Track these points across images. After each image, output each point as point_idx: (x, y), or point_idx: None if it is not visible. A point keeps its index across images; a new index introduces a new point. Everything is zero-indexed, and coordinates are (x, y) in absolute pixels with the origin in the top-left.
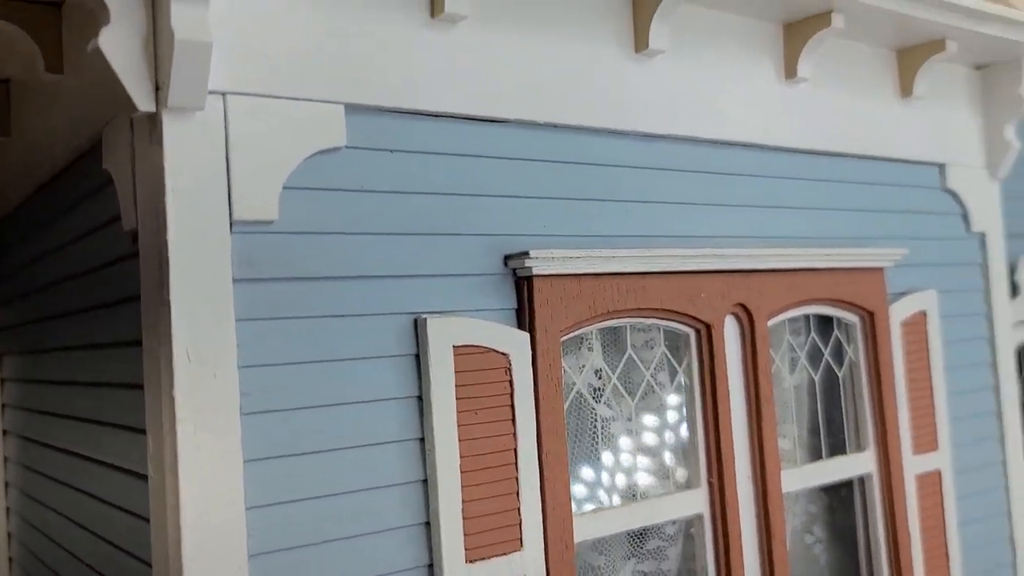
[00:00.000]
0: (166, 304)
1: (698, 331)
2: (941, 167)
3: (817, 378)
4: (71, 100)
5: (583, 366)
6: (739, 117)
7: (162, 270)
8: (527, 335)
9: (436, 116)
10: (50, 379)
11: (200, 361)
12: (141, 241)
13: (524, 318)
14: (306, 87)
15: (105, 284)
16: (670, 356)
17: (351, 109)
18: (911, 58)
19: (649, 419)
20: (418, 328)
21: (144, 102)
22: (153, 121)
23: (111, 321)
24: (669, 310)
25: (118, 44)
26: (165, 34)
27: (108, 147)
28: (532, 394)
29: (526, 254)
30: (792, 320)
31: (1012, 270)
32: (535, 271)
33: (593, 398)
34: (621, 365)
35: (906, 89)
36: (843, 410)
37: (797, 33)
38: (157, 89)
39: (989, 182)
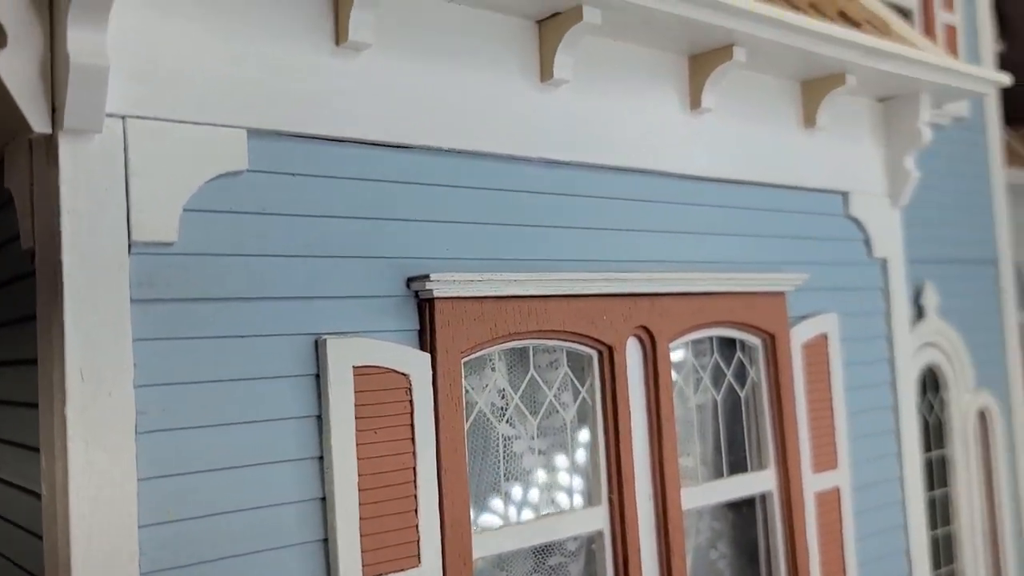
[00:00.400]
0: (60, 324)
1: (600, 352)
2: (844, 195)
3: (720, 398)
4: None
5: (486, 386)
6: (644, 145)
7: (57, 290)
8: (428, 356)
9: (340, 141)
10: None
11: (94, 380)
12: (38, 261)
13: (426, 339)
14: (208, 111)
15: (4, 303)
16: (573, 376)
17: (254, 133)
18: (814, 90)
19: (551, 438)
20: (319, 348)
21: (40, 124)
22: (50, 142)
23: (10, 339)
24: (571, 332)
25: (15, 67)
26: (62, 57)
27: (9, 166)
28: (432, 413)
29: (427, 277)
30: (696, 342)
31: (917, 294)
32: (436, 293)
33: (496, 417)
34: (524, 385)
35: (809, 120)
36: (745, 429)
37: (701, 65)
38: (54, 111)
39: (890, 209)
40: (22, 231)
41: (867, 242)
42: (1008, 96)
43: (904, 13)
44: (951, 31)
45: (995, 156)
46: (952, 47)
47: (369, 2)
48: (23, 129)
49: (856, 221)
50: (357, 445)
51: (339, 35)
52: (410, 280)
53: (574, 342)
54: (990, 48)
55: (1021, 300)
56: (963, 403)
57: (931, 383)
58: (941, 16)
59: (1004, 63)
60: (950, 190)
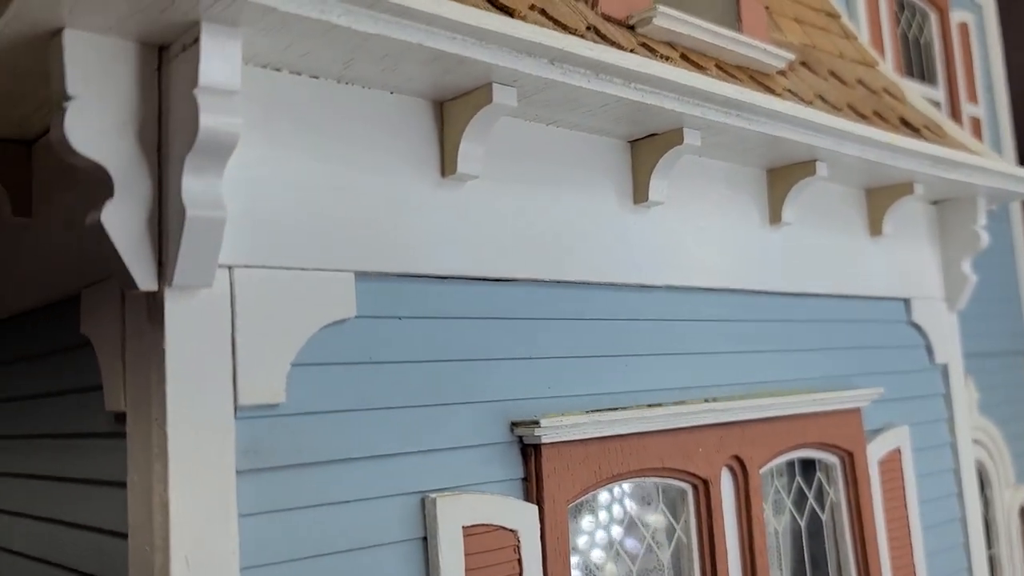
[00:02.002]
0: (163, 502)
1: (695, 487)
2: (907, 301)
3: (803, 522)
4: (41, 248)
5: (581, 531)
6: (727, 262)
7: (162, 462)
8: (535, 508)
9: (444, 279)
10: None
11: (199, 567)
12: (131, 427)
13: (531, 488)
14: (315, 256)
15: (81, 459)
16: (668, 513)
17: (361, 276)
18: (880, 198)
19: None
20: (426, 508)
21: (146, 282)
22: (153, 299)
23: (90, 504)
24: (669, 468)
25: (121, 218)
26: (174, 209)
27: (88, 311)
28: (541, 569)
29: (536, 422)
30: (777, 464)
31: None
32: (544, 439)
33: (597, 561)
34: (622, 525)
35: (875, 228)
36: (826, 552)
37: (781, 179)
38: (160, 264)
39: (948, 314)
40: (108, 390)
41: (928, 348)
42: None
43: (933, 106)
44: (976, 123)
45: (1020, 244)
46: (978, 137)
47: (480, 134)
48: (122, 283)
49: (918, 327)
50: None
51: (445, 167)
52: (514, 424)
53: (672, 477)
54: (1010, 137)
55: None
56: (1006, 500)
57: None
58: (967, 108)
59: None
60: (980, 282)
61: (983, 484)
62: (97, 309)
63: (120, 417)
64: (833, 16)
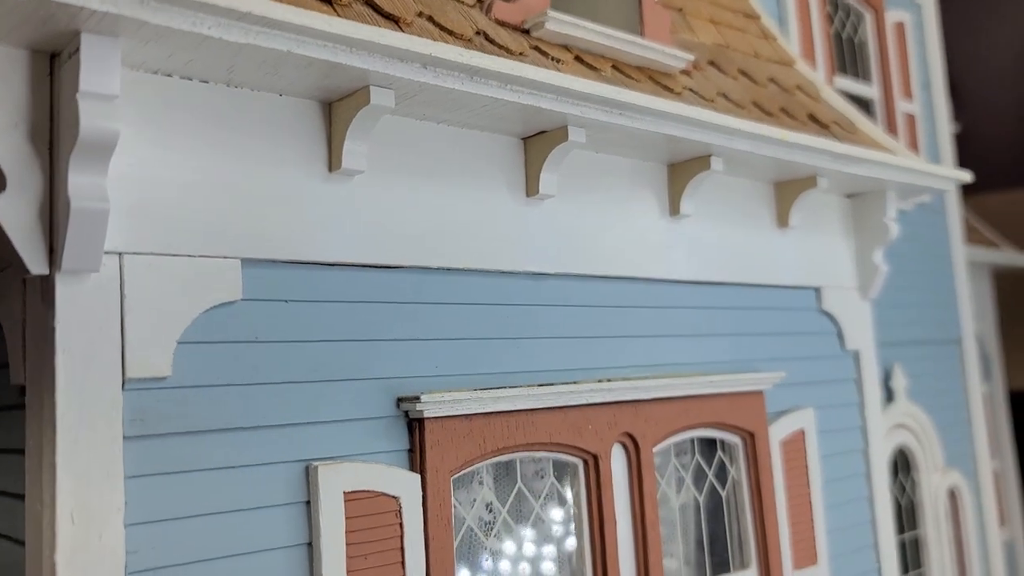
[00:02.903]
0: (52, 465)
1: (586, 461)
2: (817, 290)
3: (702, 498)
4: None
5: (474, 500)
6: (626, 252)
7: (50, 430)
8: (418, 477)
9: (332, 265)
10: None
11: (85, 523)
12: (29, 398)
13: (416, 459)
14: (203, 243)
15: None
16: (559, 485)
17: (248, 263)
18: (786, 191)
19: (539, 548)
20: (309, 475)
21: (38, 266)
22: (46, 283)
23: (1, 470)
24: (558, 443)
25: (14, 210)
26: (62, 201)
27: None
28: (422, 535)
29: (417, 398)
30: (678, 442)
31: (887, 377)
32: (426, 413)
33: (483, 532)
34: (511, 497)
35: (783, 220)
36: (727, 528)
37: (680, 174)
38: (51, 251)
39: (861, 302)
40: (12, 365)
41: (840, 335)
42: (964, 165)
43: (866, 103)
44: (910, 119)
45: (956, 236)
46: (912, 134)
47: (363, 132)
48: (17, 268)
49: (829, 315)
50: (348, 572)
51: (332, 163)
52: (400, 400)
53: (560, 452)
54: (947, 132)
55: (983, 372)
56: (933, 483)
57: (902, 464)
58: (901, 105)
59: (960, 131)
60: (915, 272)
61: (909, 467)
62: (5, 292)
63: (22, 390)
64: (752, 17)
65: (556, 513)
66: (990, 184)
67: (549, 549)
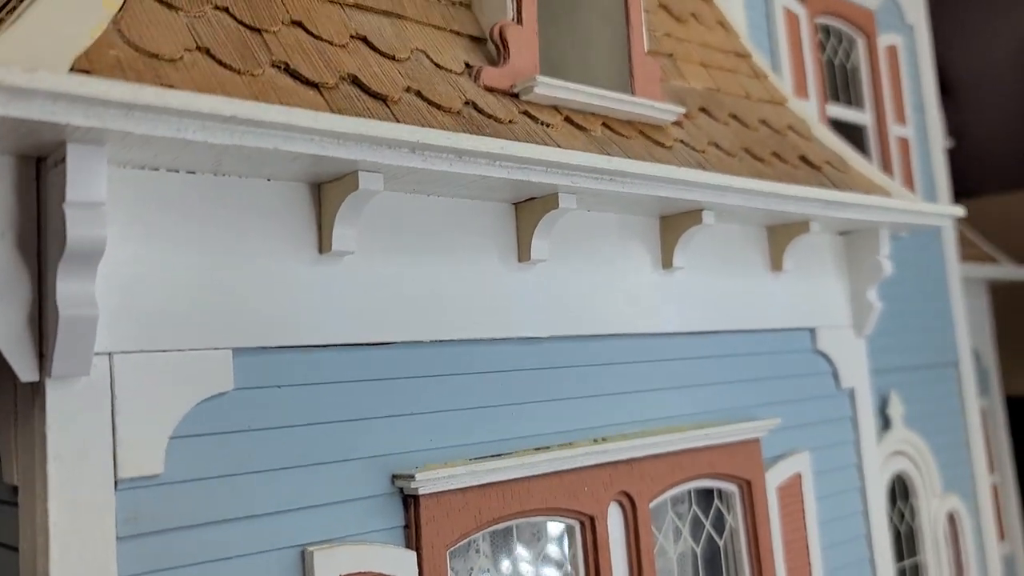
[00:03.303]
0: (45, 572)
1: (582, 523)
2: (812, 331)
3: (699, 548)
4: None
5: (471, 569)
6: (618, 310)
7: (43, 533)
8: (414, 554)
9: (323, 347)
10: None
11: None
12: (21, 499)
13: (411, 536)
14: (193, 337)
15: None
16: (557, 546)
17: (239, 352)
18: (779, 236)
19: None
20: (305, 560)
21: (27, 374)
22: (36, 388)
23: None
24: (554, 508)
25: (2, 318)
26: (50, 309)
27: None
28: None
29: (412, 476)
30: (675, 494)
31: (883, 404)
32: (421, 490)
33: None
34: (509, 562)
35: (776, 264)
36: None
37: (672, 226)
38: (41, 356)
39: (856, 340)
40: (4, 465)
41: (835, 375)
42: (955, 169)
43: (859, 129)
44: (903, 144)
45: (952, 259)
46: (906, 158)
47: (353, 215)
48: (6, 376)
49: (824, 355)
50: None
51: (322, 245)
52: (395, 477)
53: (557, 516)
54: (941, 155)
55: (981, 387)
56: (932, 508)
57: (900, 491)
58: (894, 130)
59: (953, 141)
60: (910, 296)
61: (908, 494)
62: None
63: (15, 490)
64: (743, 56)
65: (554, 574)
66: (987, 187)
67: None
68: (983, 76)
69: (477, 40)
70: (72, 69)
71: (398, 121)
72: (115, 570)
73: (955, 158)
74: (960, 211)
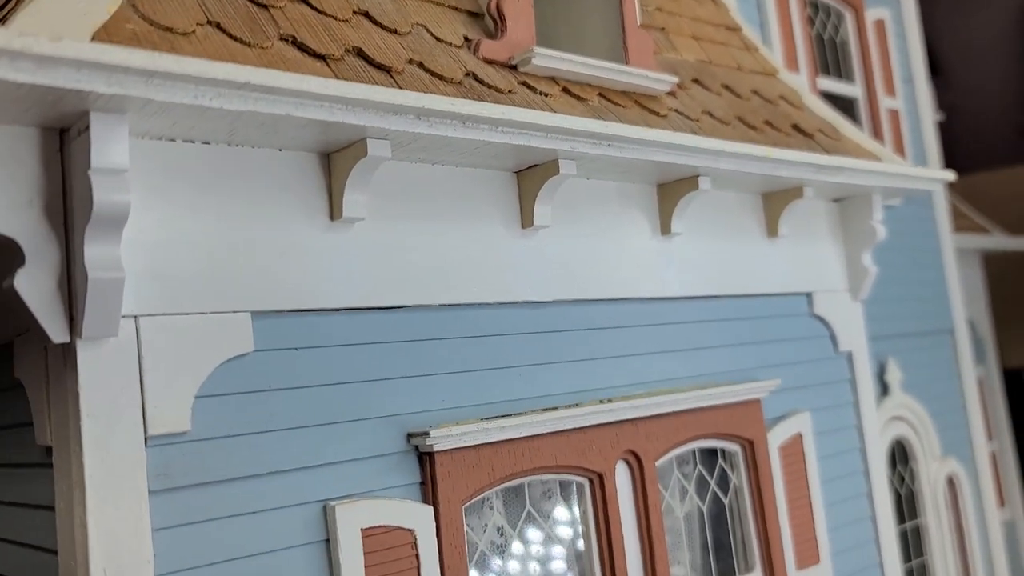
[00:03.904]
0: (83, 523)
1: (591, 480)
2: (808, 295)
3: (705, 506)
4: None
5: (485, 525)
6: (620, 274)
7: (80, 489)
8: (431, 508)
9: (338, 311)
10: None
11: None
12: (56, 458)
13: (428, 491)
14: (215, 300)
15: (18, 486)
16: (567, 505)
17: (258, 315)
18: (775, 202)
19: (550, 566)
20: (327, 515)
21: (59, 335)
22: (67, 349)
23: (25, 524)
24: (564, 465)
25: (33, 283)
26: (79, 273)
27: (20, 358)
28: (438, 564)
29: (427, 433)
30: (680, 454)
31: (881, 371)
32: (436, 447)
33: (496, 555)
34: (521, 520)
35: (772, 229)
36: (731, 534)
37: (669, 193)
38: (71, 319)
39: (852, 304)
40: (37, 427)
41: (832, 338)
42: (946, 146)
43: (850, 102)
44: (894, 115)
45: (944, 227)
46: (897, 130)
47: (362, 182)
48: (40, 336)
49: (821, 319)
50: None
51: (333, 212)
52: (410, 435)
53: (567, 473)
54: (931, 126)
55: (977, 355)
56: (932, 472)
57: (900, 455)
58: (885, 102)
59: (944, 115)
60: (905, 264)
61: (908, 458)
62: (26, 356)
63: (48, 450)
64: (733, 29)
65: (565, 531)
66: (978, 163)
67: (560, 566)
68: (972, 54)
69: (474, 15)
70: (92, 40)
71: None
72: (148, 523)
73: (945, 135)
74: (950, 175)
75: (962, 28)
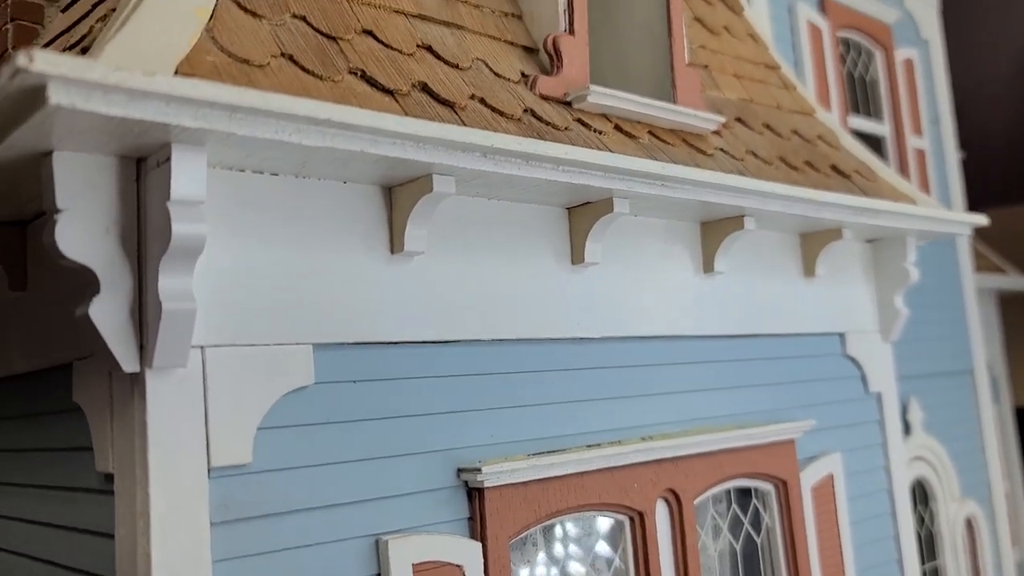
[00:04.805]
0: (146, 555)
1: (632, 519)
2: (842, 335)
3: (739, 545)
4: (36, 319)
5: (528, 561)
6: (663, 312)
7: (144, 519)
8: (479, 545)
9: (396, 344)
10: None
11: None
12: (118, 486)
13: (476, 527)
14: (278, 332)
15: (73, 510)
16: (606, 542)
17: (319, 348)
18: (813, 243)
19: None
20: (379, 550)
21: (130, 365)
22: (136, 378)
23: (81, 550)
24: (606, 503)
25: (107, 312)
26: (152, 302)
27: (80, 383)
28: None
29: (478, 469)
30: (715, 493)
31: (903, 410)
32: (486, 483)
33: None
34: (563, 557)
35: (809, 270)
36: (762, 574)
37: (713, 232)
38: (141, 348)
39: (883, 345)
40: (98, 454)
41: (863, 379)
42: (965, 181)
43: (878, 140)
44: (920, 155)
45: (967, 268)
46: (923, 169)
47: (424, 217)
48: (108, 365)
49: (853, 360)
50: None
51: (394, 245)
52: (460, 471)
53: (609, 511)
54: (956, 166)
55: (992, 395)
56: (951, 513)
57: (920, 496)
58: (912, 141)
59: (963, 146)
60: (927, 304)
61: (927, 499)
62: (88, 380)
63: (109, 477)
64: (772, 68)
65: (605, 568)
66: (990, 200)
67: None
68: (987, 90)
69: (529, 51)
70: (176, 73)
71: (466, 126)
72: (208, 554)
73: (969, 178)
74: (983, 220)
75: (977, 64)
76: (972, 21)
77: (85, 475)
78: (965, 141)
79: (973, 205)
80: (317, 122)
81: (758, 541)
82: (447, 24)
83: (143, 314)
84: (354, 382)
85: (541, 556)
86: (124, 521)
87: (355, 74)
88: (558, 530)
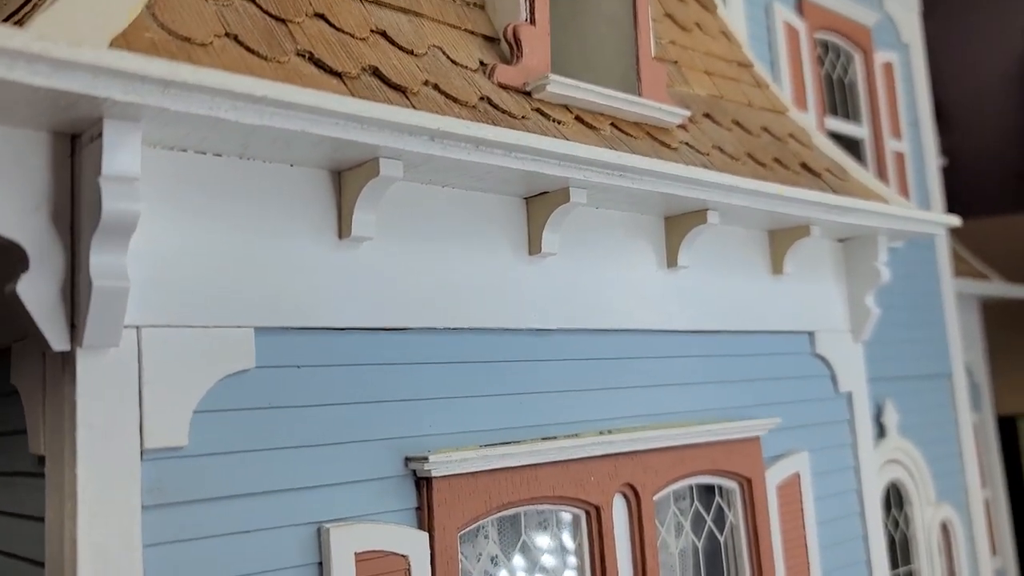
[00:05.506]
0: (72, 537)
1: (588, 512)
2: (811, 334)
3: (701, 543)
4: None
5: (480, 554)
6: (624, 305)
7: (71, 501)
8: (426, 535)
9: (341, 330)
10: None
11: None
12: (49, 468)
13: (424, 517)
14: (218, 314)
15: (10, 494)
16: (562, 536)
17: (261, 331)
18: (781, 240)
19: None
20: (321, 537)
21: (59, 343)
22: (67, 358)
23: (15, 535)
24: (561, 496)
25: (36, 290)
26: (83, 280)
27: (17, 364)
28: None
29: (425, 458)
30: (677, 489)
31: (878, 412)
32: (434, 473)
33: None
34: (516, 550)
35: (777, 267)
36: (725, 572)
37: (677, 226)
38: (72, 327)
39: (853, 345)
40: (31, 436)
41: (833, 378)
42: (947, 191)
43: (856, 143)
44: (899, 158)
45: (946, 272)
46: (901, 173)
47: (372, 201)
48: (38, 344)
49: (822, 359)
50: None
51: (342, 230)
52: (408, 460)
53: (564, 504)
54: (935, 170)
55: (973, 402)
56: (926, 517)
57: (895, 499)
58: (890, 144)
59: (946, 160)
60: (905, 307)
61: (903, 502)
62: (24, 362)
63: (41, 459)
64: (745, 66)
65: (559, 563)
66: (978, 209)
67: None
68: (974, 100)
69: (490, 40)
70: (110, 47)
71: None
72: (139, 538)
73: (947, 180)
74: (956, 220)
75: (963, 75)
76: (962, 31)
77: (21, 459)
78: (955, 150)
79: (963, 214)
80: (254, 99)
81: (721, 539)
82: (404, 11)
83: (75, 293)
84: (298, 367)
85: (494, 548)
86: (53, 504)
87: (303, 56)
88: (513, 523)
